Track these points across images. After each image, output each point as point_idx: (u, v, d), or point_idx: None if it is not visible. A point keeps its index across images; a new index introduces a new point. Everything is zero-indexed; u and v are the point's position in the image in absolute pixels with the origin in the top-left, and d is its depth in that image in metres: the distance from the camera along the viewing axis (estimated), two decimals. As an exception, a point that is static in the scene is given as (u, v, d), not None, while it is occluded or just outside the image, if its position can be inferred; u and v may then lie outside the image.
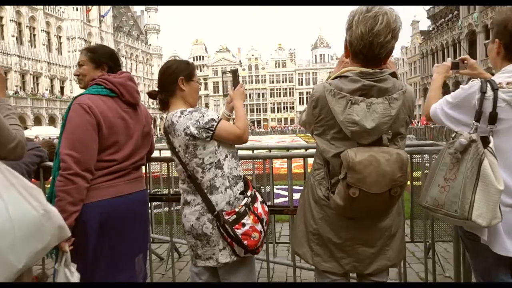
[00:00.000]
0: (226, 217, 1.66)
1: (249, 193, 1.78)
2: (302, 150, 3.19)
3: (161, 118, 70.10)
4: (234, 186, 1.75)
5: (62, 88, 48.77)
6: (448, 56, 40.60)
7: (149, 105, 65.27)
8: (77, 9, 48.89)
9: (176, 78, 1.77)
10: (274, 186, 7.46)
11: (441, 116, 1.59)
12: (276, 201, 6.76)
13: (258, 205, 1.79)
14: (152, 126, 2.05)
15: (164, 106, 1.81)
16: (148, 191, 2.36)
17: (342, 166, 1.40)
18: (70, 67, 48.42)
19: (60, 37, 48.55)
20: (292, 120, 74.06)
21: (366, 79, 1.39)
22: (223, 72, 2.15)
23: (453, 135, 1.54)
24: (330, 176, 1.50)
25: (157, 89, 1.83)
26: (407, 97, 1.45)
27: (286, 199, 7.02)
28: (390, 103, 1.39)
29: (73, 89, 48.73)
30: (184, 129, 1.65)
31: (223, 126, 1.71)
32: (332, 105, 1.41)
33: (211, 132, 1.67)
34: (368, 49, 1.38)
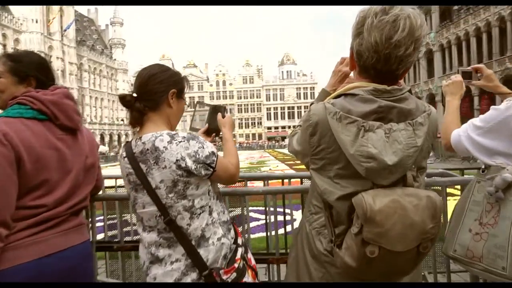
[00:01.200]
0: (225, 277, 1.27)
1: (239, 240, 1.42)
2: (284, 182, 2.81)
3: (126, 135, 67.92)
4: (228, 234, 1.37)
5: (18, 103, 46.12)
6: (408, 72, 42.34)
7: (113, 121, 62.78)
8: (36, 21, 46.89)
9: (167, 89, 1.36)
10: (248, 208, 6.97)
11: (467, 144, 1.27)
12: (250, 224, 6.25)
13: (250, 254, 1.46)
14: (98, 154, 1.60)
15: (138, 121, 1.35)
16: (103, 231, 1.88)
17: (352, 213, 1.04)
18: (28, 81, 46.03)
19: (17, 50, 46.06)
20: (260, 136, 74.22)
21: (383, 98, 1.05)
22: (198, 102, 1.75)
23: (482, 167, 1.23)
24: (333, 223, 1.13)
25: (134, 94, 1.34)
26: (432, 121, 1.12)
27: (260, 222, 6.53)
28: (414, 130, 1.05)
29: (31, 105, 46.29)
30: (177, 160, 1.24)
31: (221, 162, 1.34)
32: (337, 132, 1.05)
33: (212, 170, 1.30)
34: (384, 64, 1.05)
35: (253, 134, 75.04)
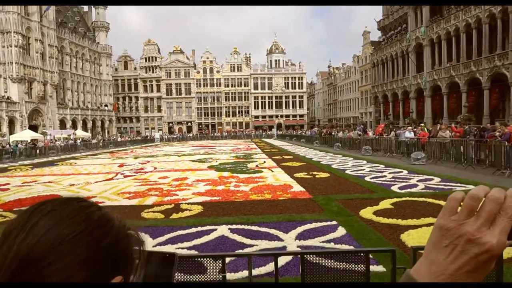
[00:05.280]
0: None
1: None
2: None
3: (110, 121, 65.79)
4: None
5: (-5, 86, 44.14)
6: (397, 66, 42.03)
7: (97, 107, 59.60)
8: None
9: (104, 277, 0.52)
10: (250, 226, 6.48)
11: None
12: (265, 244, 5.17)
13: None
14: None
15: None
16: None
17: None
18: (5, 63, 44.02)
19: (-7, 30, 43.95)
20: (247, 124, 73.51)
21: None
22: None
23: None
24: None
25: None
26: None
27: (276, 244, 5.30)
28: None
29: (8, 88, 44.38)
30: None
31: None
32: None
33: None
34: None
35: (240, 123, 74.21)
